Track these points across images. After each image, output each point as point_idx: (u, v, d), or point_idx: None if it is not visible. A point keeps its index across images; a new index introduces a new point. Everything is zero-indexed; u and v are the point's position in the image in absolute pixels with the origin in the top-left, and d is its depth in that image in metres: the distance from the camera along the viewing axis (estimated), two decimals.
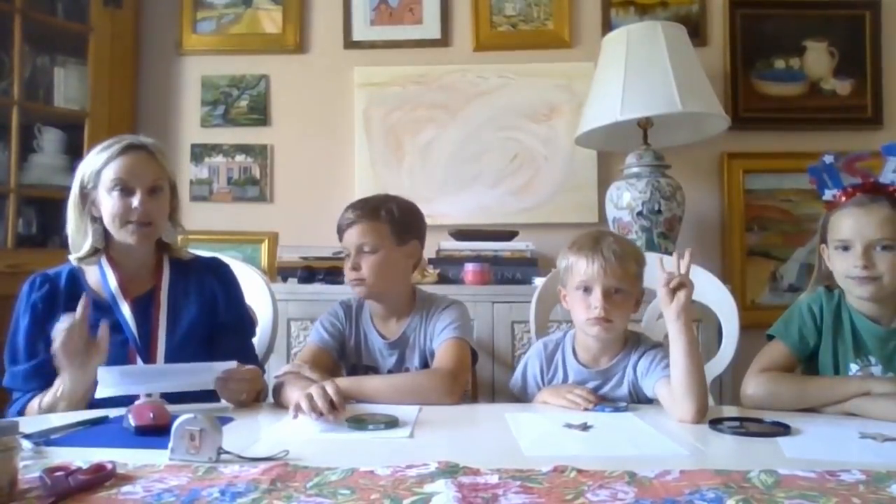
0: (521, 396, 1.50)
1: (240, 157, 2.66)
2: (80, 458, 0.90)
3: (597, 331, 1.36)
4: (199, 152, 2.66)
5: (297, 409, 1.13)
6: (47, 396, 1.28)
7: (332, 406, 1.12)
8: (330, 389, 1.15)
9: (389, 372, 1.52)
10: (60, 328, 1.21)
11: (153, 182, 1.39)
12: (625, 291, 1.35)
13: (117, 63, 2.53)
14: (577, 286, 1.37)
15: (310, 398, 1.13)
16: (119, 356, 1.35)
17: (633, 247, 1.42)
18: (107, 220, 1.38)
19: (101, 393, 1.20)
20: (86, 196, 1.39)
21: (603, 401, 1.32)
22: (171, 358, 1.38)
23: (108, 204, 1.37)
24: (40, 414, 1.27)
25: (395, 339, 1.54)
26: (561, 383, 1.43)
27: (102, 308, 1.38)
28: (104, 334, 1.25)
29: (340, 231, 1.53)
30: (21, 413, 1.31)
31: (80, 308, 1.23)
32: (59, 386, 1.26)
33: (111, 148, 1.38)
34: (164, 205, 1.43)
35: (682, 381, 1.21)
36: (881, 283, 1.30)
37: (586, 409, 1.27)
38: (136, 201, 1.36)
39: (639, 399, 1.38)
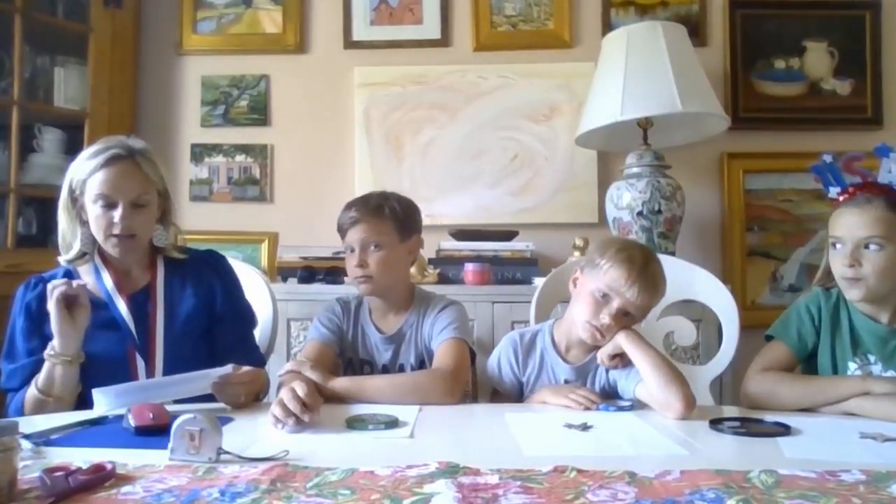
0: (498, 385, 1.49)
1: (240, 157, 2.66)
2: (80, 458, 0.89)
3: (588, 336, 1.37)
4: (199, 152, 2.66)
5: (276, 420, 1.12)
6: (42, 372, 1.29)
7: (305, 407, 1.11)
8: (300, 390, 1.13)
9: (384, 366, 1.53)
10: (56, 282, 1.26)
11: (136, 197, 1.37)
12: (634, 318, 1.36)
13: (117, 63, 2.53)
14: (599, 290, 1.35)
15: (282, 404, 1.12)
16: (118, 353, 1.36)
17: (664, 283, 1.39)
18: (92, 229, 1.39)
19: (97, 411, 1.19)
20: (75, 200, 1.39)
21: (606, 400, 1.32)
22: (170, 352, 1.38)
23: (92, 214, 1.37)
24: (39, 392, 1.28)
25: (392, 333, 1.54)
26: (541, 375, 1.44)
27: (99, 307, 1.38)
28: (82, 292, 1.28)
29: (343, 229, 1.53)
30: (21, 406, 1.31)
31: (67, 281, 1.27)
32: (50, 349, 1.28)
33: (97, 157, 1.35)
34: (149, 217, 1.41)
35: (656, 385, 1.25)
36: (867, 284, 1.31)
37: (587, 409, 1.27)
38: (117, 216, 1.35)
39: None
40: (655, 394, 1.25)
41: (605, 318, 1.33)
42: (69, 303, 1.27)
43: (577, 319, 1.38)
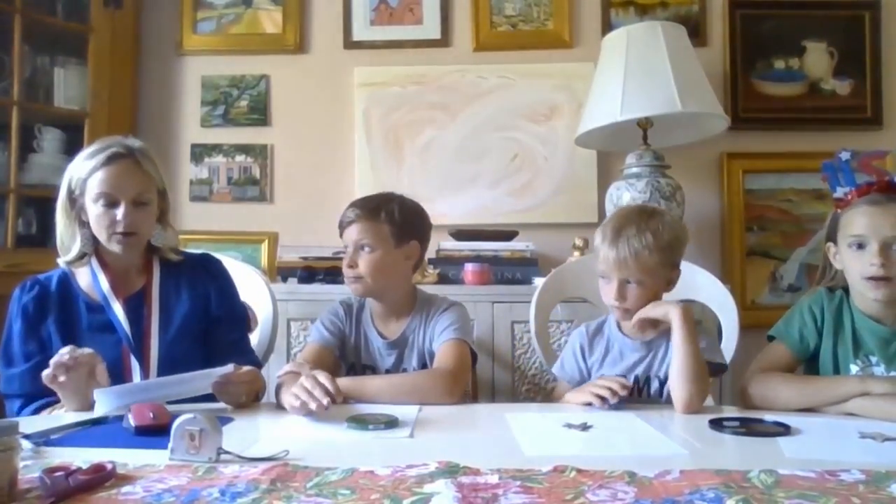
0: (562, 377, 1.51)
1: (240, 157, 2.66)
2: (80, 458, 0.90)
3: (617, 315, 1.41)
4: (199, 152, 2.66)
5: (305, 408, 1.14)
6: (49, 409, 1.28)
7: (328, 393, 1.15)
8: (321, 377, 1.17)
9: (387, 372, 1.53)
10: (55, 362, 1.18)
11: (137, 195, 1.37)
12: (643, 281, 1.36)
13: (117, 63, 2.52)
14: (600, 273, 1.41)
15: (306, 392, 1.14)
16: (113, 356, 1.35)
17: (658, 236, 1.36)
18: (93, 228, 1.38)
19: (98, 412, 1.19)
20: (74, 201, 1.39)
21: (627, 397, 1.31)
22: (165, 355, 1.38)
23: (93, 214, 1.37)
24: None
25: (395, 339, 1.54)
26: (608, 357, 1.45)
27: (94, 309, 1.39)
28: (102, 369, 1.23)
29: (341, 227, 1.54)
30: None
31: (78, 350, 1.20)
32: (61, 409, 1.26)
33: (97, 157, 1.36)
34: (150, 215, 1.42)
35: (675, 375, 1.29)
36: (895, 283, 1.30)
37: (611, 405, 1.27)
38: (119, 214, 1.35)
39: None
40: (671, 381, 1.29)
41: (609, 299, 1.38)
42: (80, 374, 1.21)
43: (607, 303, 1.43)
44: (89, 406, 1.22)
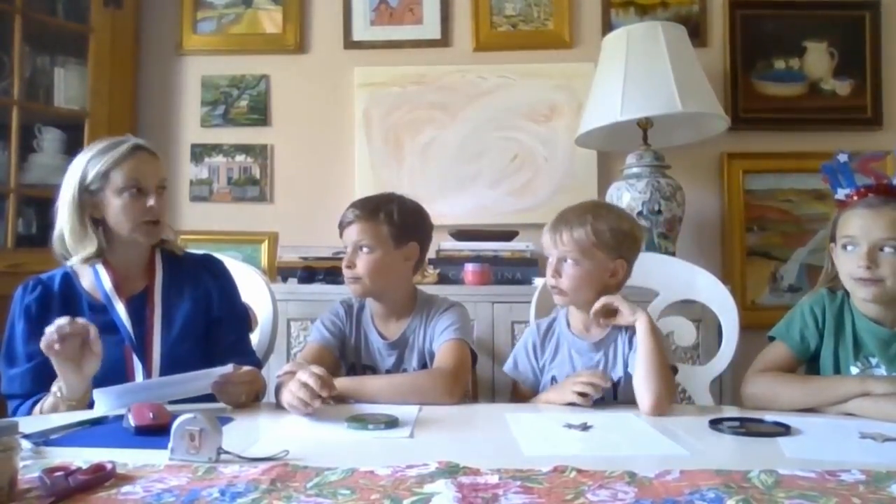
0: (516, 376, 1.51)
1: (240, 157, 2.66)
2: (80, 458, 0.90)
3: (555, 298, 1.44)
4: (199, 152, 2.66)
5: (305, 404, 1.16)
6: (47, 401, 1.27)
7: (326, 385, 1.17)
8: (316, 370, 1.18)
9: (388, 372, 1.53)
10: (50, 331, 1.19)
11: (161, 181, 1.43)
12: (577, 260, 1.38)
13: (117, 63, 2.53)
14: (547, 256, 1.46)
15: (306, 387, 1.15)
16: (115, 356, 1.35)
17: (599, 220, 1.40)
18: (116, 221, 1.38)
19: (98, 411, 1.19)
20: (85, 200, 1.38)
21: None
22: (167, 356, 1.39)
23: (118, 205, 1.37)
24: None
25: (395, 339, 1.54)
26: (557, 357, 1.44)
27: (97, 309, 1.38)
28: (95, 337, 1.23)
29: (341, 228, 1.54)
30: None
31: (72, 319, 1.21)
32: (57, 389, 1.25)
33: (117, 149, 1.38)
34: (167, 202, 1.47)
35: (638, 375, 1.29)
36: (884, 285, 1.30)
37: (595, 398, 1.27)
38: (151, 201, 1.39)
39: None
40: (635, 382, 1.29)
41: (549, 279, 1.42)
42: (74, 344, 1.21)
43: None
44: (81, 372, 1.23)
